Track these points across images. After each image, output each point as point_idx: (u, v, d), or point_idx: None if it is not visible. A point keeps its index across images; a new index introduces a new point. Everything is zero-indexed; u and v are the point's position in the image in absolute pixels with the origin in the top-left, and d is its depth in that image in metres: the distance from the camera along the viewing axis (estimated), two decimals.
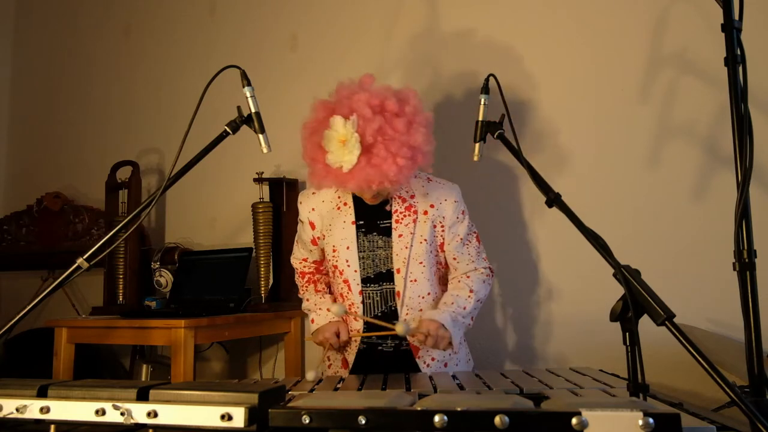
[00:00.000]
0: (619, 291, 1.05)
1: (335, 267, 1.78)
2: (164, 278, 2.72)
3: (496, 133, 1.45)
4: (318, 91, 2.70)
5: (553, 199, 1.26)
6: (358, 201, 1.77)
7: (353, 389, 1.38)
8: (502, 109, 1.46)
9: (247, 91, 1.48)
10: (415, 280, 1.74)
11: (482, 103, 1.48)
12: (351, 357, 1.79)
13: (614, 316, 1.06)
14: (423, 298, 1.76)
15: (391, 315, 1.75)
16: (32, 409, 0.84)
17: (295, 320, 2.60)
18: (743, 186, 1.11)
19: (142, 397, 0.82)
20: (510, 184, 2.35)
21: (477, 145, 1.49)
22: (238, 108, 1.48)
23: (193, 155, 1.43)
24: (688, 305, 1.85)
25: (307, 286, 1.92)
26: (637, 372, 1.01)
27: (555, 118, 2.29)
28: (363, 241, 1.76)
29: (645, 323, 1.02)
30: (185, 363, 2.09)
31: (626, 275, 1.05)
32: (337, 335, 1.75)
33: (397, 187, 1.67)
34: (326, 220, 1.80)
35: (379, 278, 1.75)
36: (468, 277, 1.80)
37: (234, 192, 2.85)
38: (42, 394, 0.86)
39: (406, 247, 1.73)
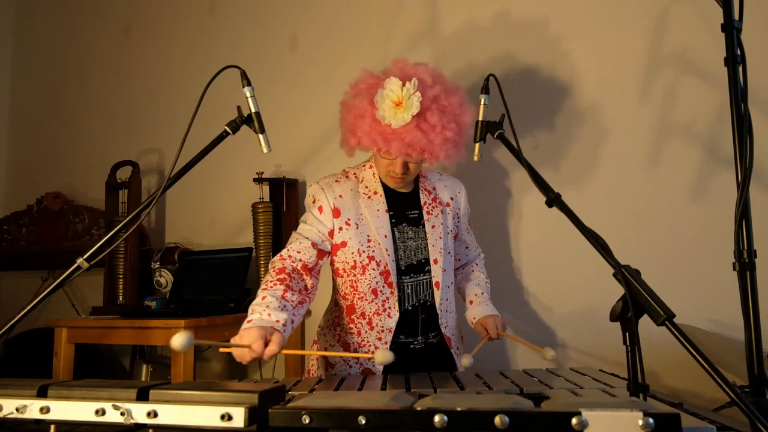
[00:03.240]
0: (619, 291, 1.05)
1: (371, 258, 1.67)
2: (164, 278, 2.72)
3: (496, 133, 1.45)
4: (318, 91, 2.73)
5: (553, 199, 1.26)
6: (387, 191, 1.74)
7: (353, 389, 1.38)
8: (512, 109, 1.46)
9: (247, 91, 1.48)
10: (445, 270, 1.76)
11: (482, 103, 1.49)
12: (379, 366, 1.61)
13: (614, 316, 1.06)
14: (448, 287, 1.79)
15: (427, 307, 1.74)
16: (32, 409, 0.84)
17: None
18: (743, 186, 1.11)
19: (142, 397, 0.82)
20: (510, 183, 2.35)
21: (477, 145, 1.49)
22: (238, 108, 1.48)
23: (193, 155, 1.43)
24: (688, 305, 1.85)
25: (275, 284, 1.54)
26: (637, 372, 1.01)
27: (554, 118, 2.29)
28: (394, 231, 1.71)
29: (645, 323, 1.02)
30: (185, 363, 2.09)
31: (626, 275, 1.05)
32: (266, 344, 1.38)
33: (420, 166, 1.67)
34: (355, 209, 1.69)
35: (410, 270, 1.72)
36: (477, 264, 1.95)
37: (234, 192, 2.85)
38: (42, 394, 0.86)
39: (440, 238, 1.74)
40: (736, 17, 1.20)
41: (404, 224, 1.72)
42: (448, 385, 1.37)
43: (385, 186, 1.73)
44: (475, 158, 1.50)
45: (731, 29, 1.18)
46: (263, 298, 1.51)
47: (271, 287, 1.53)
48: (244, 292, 2.54)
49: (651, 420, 0.67)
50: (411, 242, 1.72)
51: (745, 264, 1.10)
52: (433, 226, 1.74)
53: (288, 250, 1.66)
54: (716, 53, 1.32)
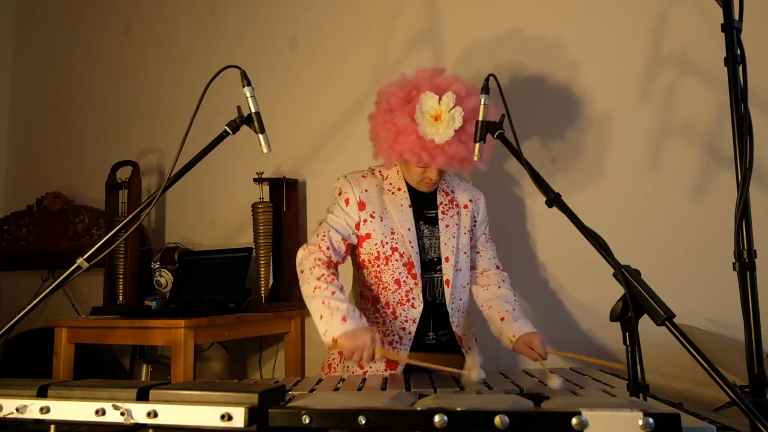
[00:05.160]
0: (619, 291, 1.05)
1: (394, 250, 1.74)
2: (164, 278, 2.72)
3: (496, 133, 1.45)
4: (318, 91, 2.73)
5: (553, 199, 1.26)
6: (409, 189, 1.80)
7: (353, 389, 1.38)
8: (513, 110, 1.46)
9: (247, 91, 1.48)
10: (460, 270, 1.80)
11: (482, 103, 1.48)
12: (404, 355, 1.71)
13: (614, 316, 1.06)
14: (464, 287, 1.82)
15: (437, 305, 1.77)
16: (32, 409, 0.84)
17: (295, 320, 2.59)
18: (743, 186, 1.11)
19: (142, 397, 0.82)
20: (509, 184, 2.35)
21: (477, 145, 1.49)
22: (238, 108, 1.48)
23: (193, 155, 1.43)
24: (688, 305, 1.84)
25: (332, 279, 1.64)
26: (637, 372, 1.01)
27: (555, 118, 2.29)
28: (417, 225, 1.78)
29: (645, 323, 1.02)
30: (185, 363, 2.09)
31: (626, 275, 1.05)
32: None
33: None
34: (380, 203, 1.77)
35: (424, 267, 1.76)
36: (504, 281, 1.89)
37: (234, 192, 2.85)
38: (42, 394, 0.86)
39: (453, 237, 1.78)
40: (736, 17, 1.20)
41: (422, 222, 1.79)
42: (448, 385, 1.37)
43: (408, 184, 1.80)
44: (475, 158, 1.50)
45: (731, 29, 1.18)
46: (333, 293, 1.58)
47: (332, 281, 1.62)
48: (244, 292, 2.54)
49: (651, 420, 0.67)
50: (426, 240, 1.78)
51: (745, 264, 1.10)
52: (447, 226, 1.79)
53: (321, 243, 1.70)
54: (716, 53, 1.31)
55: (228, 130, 1.46)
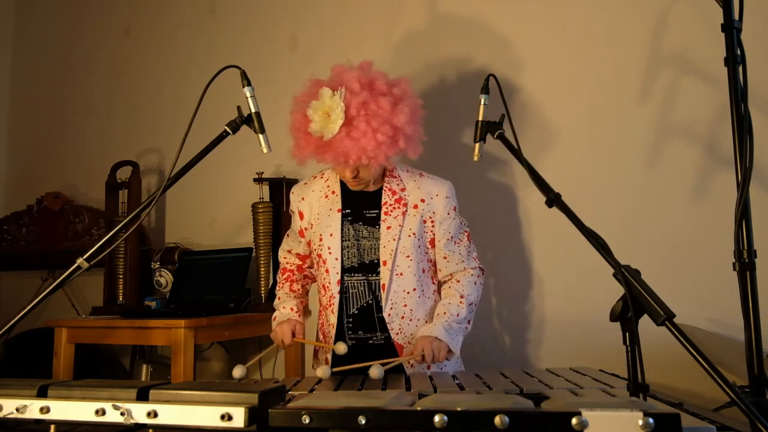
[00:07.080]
0: (619, 291, 1.05)
1: (319, 256, 1.77)
2: (164, 278, 2.72)
3: (496, 133, 1.45)
4: None
5: (553, 199, 1.26)
6: (345, 190, 1.79)
7: (353, 389, 1.38)
8: (514, 110, 1.46)
9: (247, 91, 1.48)
10: (401, 274, 1.72)
11: (482, 103, 1.49)
12: (329, 355, 1.75)
13: (614, 316, 1.06)
14: (408, 293, 1.73)
15: (380, 307, 1.73)
16: (32, 409, 0.84)
17: None
18: (743, 186, 1.11)
19: (142, 397, 0.82)
20: (509, 183, 2.35)
21: (477, 145, 1.49)
22: (238, 108, 1.48)
23: (193, 155, 1.43)
24: (688, 305, 1.85)
25: (283, 284, 1.91)
26: (637, 372, 1.01)
27: (555, 118, 2.29)
28: (348, 229, 1.75)
29: (645, 323, 1.02)
30: (185, 363, 2.09)
31: (626, 275, 1.05)
32: (293, 334, 1.76)
33: (375, 167, 1.66)
34: (315, 210, 1.80)
35: (363, 268, 1.74)
36: (458, 281, 1.76)
37: (234, 192, 2.85)
38: (42, 394, 0.86)
39: (394, 239, 1.72)
40: (736, 17, 1.20)
41: (360, 223, 1.76)
42: (448, 385, 1.37)
43: (344, 185, 1.79)
44: (475, 158, 1.50)
45: (731, 29, 1.18)
46: (278, 299, 1.88)
47: (281, 287, 1.91)
48: (244, 292, 2.54)
49: (651, 420, 0.67)
50: (365, 241, 1.75)
51: (745, 264, 1.10)
52: (388, 227, 1.73)
53: (282, 251, 1.95)
54: (716, 53, 1.31)
55: (228, 130, 1.47)
